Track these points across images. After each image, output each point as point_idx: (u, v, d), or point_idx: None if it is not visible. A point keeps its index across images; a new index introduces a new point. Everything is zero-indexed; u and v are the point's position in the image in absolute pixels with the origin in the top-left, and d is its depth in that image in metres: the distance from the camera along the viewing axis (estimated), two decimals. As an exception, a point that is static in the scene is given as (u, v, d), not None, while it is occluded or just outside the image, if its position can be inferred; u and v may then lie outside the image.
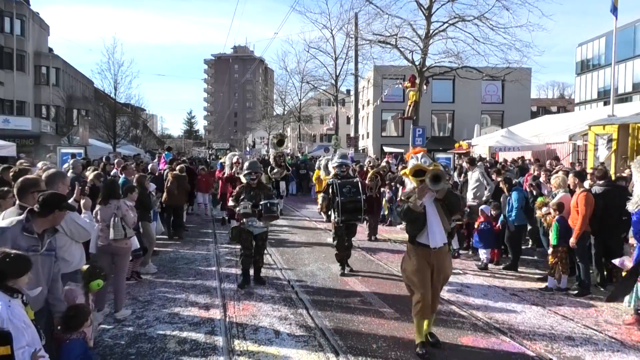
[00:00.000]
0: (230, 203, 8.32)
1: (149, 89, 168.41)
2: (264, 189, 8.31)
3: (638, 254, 3.96)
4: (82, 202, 5.93)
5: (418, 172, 5.34)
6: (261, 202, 7.92)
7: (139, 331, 6.21)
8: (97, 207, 6.79)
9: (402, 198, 5.59)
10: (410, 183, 5.55)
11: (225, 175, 12.81)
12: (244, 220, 7.97)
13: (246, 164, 8.48)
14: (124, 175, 10.03)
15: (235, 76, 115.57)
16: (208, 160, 38.74)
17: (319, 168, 16.86)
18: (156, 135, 66.53)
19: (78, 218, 5.22)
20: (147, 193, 9.27)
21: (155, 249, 9.97)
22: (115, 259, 6.75)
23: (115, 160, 14.46)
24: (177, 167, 13.32)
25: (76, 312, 4.32)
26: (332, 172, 9.53)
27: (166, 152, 19.94)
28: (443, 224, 5.43)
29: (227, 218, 13.42)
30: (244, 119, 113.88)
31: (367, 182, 12.01)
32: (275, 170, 14.05)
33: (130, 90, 46.37)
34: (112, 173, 12.51)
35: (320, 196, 9.52)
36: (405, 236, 5.98)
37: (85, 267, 5.19)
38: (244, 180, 8.36)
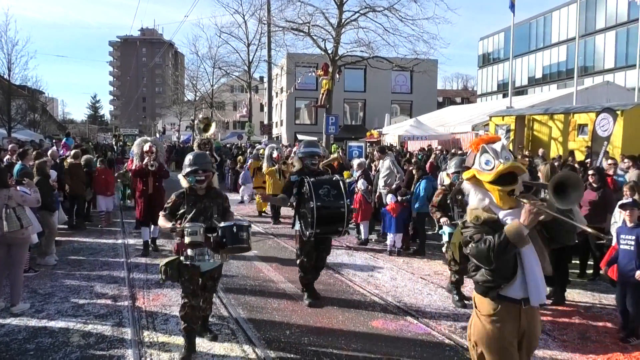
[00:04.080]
0: (161, 222, 5.15)
1: (47, 71, 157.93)
2: (216, 197, 5.29)
3: None
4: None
5: (507, 178, 3.17)
6: (221, 225, 4.96)
7: (38, 325, 5.86)
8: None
9: (470, 222, 3.29)
10: (478, 195, 3.31)
11: (134, 168, 9.65)
12: (189, 252, 4.94)
13: (189, 157, 5.23)
14: (20, 162, 9.37)
15: (144, 60, 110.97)
16: (115, 147, 37.08)
17: (257, 158, 14.70)
18: (57, 120, 62.57)
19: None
20: (47, 180, 8.73)
21: (57, 239, 9.44)
22: (12, 250, 6.31)
23: (9, 146, 13.42)
24: (72, 153, 12.49)
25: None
26: (297, 165, 7.03)
27: (68, 138, 18.85)
28: (543, 264, 3.24)
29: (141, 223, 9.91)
30: (153, 104, 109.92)
31: None
32: None
33: (27, 71, 43.30)
34: (5, 159, 11.58)
35: (280, 197, 6.98)
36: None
37: None
38: (184, 183, 5.23)
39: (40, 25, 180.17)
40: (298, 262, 6.79)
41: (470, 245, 3.21)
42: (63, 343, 5.37)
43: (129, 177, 13.72)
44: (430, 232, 11.03)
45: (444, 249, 7.45)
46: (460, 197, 6.53)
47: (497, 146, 3.25)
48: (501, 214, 3.21)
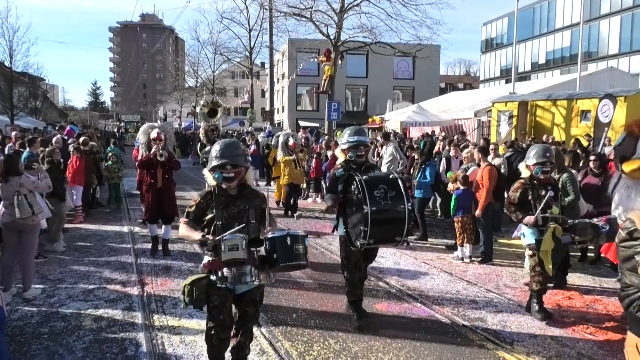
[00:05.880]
0: (185, 231, 3.97)
1: (47, 57, 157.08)
2: (253, 198, 4.10)
3: None
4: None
5: None
6: (270, 236, 3.85)
7: (51, 310, 5.98)
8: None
9: None
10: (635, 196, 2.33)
11: (140, 158, 8.51)
12: (225, 272, 3.84)
13: (216, 148, 4.02)
14: (28, 149, 9.46)
15: (144, 46, 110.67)
16: (117, 134, 37.15)
17: (275, 147, 13.40)
18: (58, 107, 62.66)
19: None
20: (58, 168, 8.85)
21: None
22: (22, 236, 6.43)
23: (12, 134, 13.49)
24: (81, 140, 12.57)
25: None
26: (341, 157, 5.83)
27: (72, 125, 18.98)
28: None
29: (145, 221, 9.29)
30: (154, 90, 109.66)
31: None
32: (207, 149, 9.37)
33: (28, 58, 43.18)
34: (7, 147, 11.61)
35: (328, 198, 5.68)
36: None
37: None
38: (211, 180, 4.10)
39: (38, 11, 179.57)
40: (345, 274, 5.72)
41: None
42: (75, 327, 5.50)
43: (117, 172, 13.28)
44: (436, 218, 11.18)
45: (528, 253, 6.06)
46: (543, 192, 5.76)
47: None
48: None
